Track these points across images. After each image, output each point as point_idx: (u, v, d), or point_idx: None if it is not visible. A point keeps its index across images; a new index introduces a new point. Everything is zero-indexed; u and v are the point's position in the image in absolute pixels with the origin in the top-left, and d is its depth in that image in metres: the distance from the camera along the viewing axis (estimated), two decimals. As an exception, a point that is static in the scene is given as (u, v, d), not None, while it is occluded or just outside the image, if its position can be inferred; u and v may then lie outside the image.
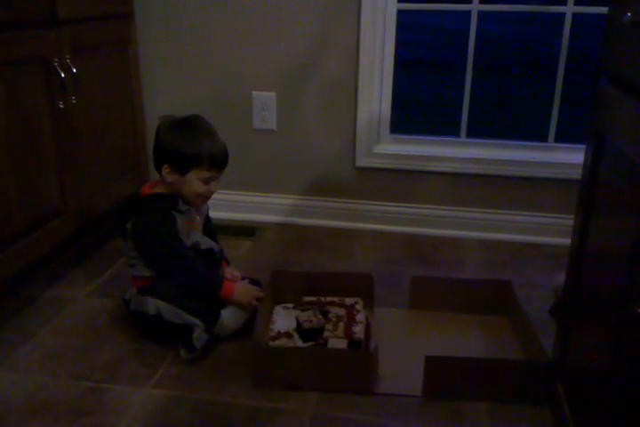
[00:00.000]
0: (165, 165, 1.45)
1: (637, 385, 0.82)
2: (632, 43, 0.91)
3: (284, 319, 1.48)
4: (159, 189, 1.50)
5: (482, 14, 2.02)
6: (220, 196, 2.17)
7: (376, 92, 2.06)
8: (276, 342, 1.39)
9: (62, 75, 1.61)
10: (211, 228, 1.63)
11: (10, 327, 1.53)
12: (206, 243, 1.54)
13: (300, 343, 1.40)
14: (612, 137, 0.99)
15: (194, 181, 1.46)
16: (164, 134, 1.46)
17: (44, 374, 1.36)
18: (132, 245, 1.49)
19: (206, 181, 1.47)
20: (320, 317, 1.46)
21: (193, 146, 1.43)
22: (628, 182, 0.91)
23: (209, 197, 1.52)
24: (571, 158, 1.98)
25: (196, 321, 1.40)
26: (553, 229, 2.05)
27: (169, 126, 1.47)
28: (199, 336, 1.40)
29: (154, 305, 1.43)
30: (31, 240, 1.57)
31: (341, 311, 1.49)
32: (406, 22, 2.10)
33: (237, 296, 1.47)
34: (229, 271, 1.59)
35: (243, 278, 1.57)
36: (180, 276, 1.46)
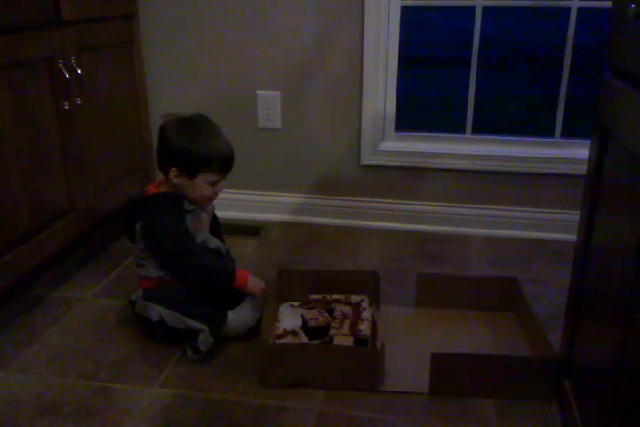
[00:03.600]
0: (173, 169, 1.44)
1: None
2: (636, 35, 0.91)
3: (289, 318, 1.48)
4: (164, 189, 1.49)
5: (486, 10, 2.01)
6: (225, 195, 2.16)
7: (380, 89, 2.06)
8: (282, 341, 1.39)
9: (67, 76, 1.62)
10: (218, 227, 1.63)
11: (17, 327, 1.54)
12: (213, 242, 1.54)
13: (305, 341, 1.39)
14: (616, 131, 0.99)
15: (201, 184, 1.45)
16: (172, 137, 1.44)
17: (51, 373, 1.37)
18: (143, 246, 1.48)
19: (213, 184, 1.46)
20: (326, 315, 1.46)
21: (203, 151, 1.42)
22: (633, 176, 0.90)
23: (213, 199, 1.52)
24: (578, 154, 1.97)
25: (201, 326, 1.40)
26: (560, 226, 2.04)
27: (175, 128, 1.45)
28: (204, 340, 1.40)
29: (156, 312, 1.43)
30: (38, 241, 1.58)
31: (347, 309, 1.49)
32: (411, 20, 2.10)
33: (251, 285, 1.47)
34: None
35: None
36: (193, 271, 1.45)
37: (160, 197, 1.48)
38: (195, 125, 1.45)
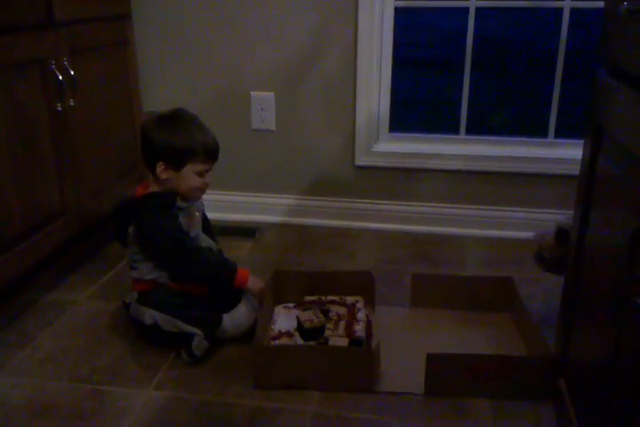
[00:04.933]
0: (160, 163, 1.44)
1: (638, 378, 0.82)
2: (629, 32, 0.91)
3: (284, 319, 1.47)
4: (154, 189, 1.49)
5: (480, 12, 2.01)
6: (219, 197, 2.17)
7: (375, 90, 2.06)
8: (277, 342, 1.38)
9: (60, 77, 1.61)
10: (208, 227, 1.63)
11: (11, 330, 1.53)
12: (206, 241, 1.53)
13: (300, 343, 1.39)
14: (610, 129, 0.99)
15: (189, 175, 1.45)
16: (154, 132, 1.45)
17: (44, 376, 1.36)
18: (136, 249, 1.48)
19: (201, 174, 1.46)
20: (321, 316, 1.46)
21: (186, 140, 1.43)
22: (626, 174, 0.90)
23: (204, 190, 1.52)
24: (571, 154, 1.96)
25: (195, 330, 1.39)
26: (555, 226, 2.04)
27: (155, 123, 1.46)
28: (199, 344, 1.39)
29: (150, 315, 1.42)
30: (31, 243, 1.57)
31: (342, 310, 1.49)
32: (404, 22, 2.10)
33: (252, 283, 1.47)
34: None
35: None
36: (193, 268, 1.44)
37: (151, 197, 1.47)
38: (174, 118, 1.47)
